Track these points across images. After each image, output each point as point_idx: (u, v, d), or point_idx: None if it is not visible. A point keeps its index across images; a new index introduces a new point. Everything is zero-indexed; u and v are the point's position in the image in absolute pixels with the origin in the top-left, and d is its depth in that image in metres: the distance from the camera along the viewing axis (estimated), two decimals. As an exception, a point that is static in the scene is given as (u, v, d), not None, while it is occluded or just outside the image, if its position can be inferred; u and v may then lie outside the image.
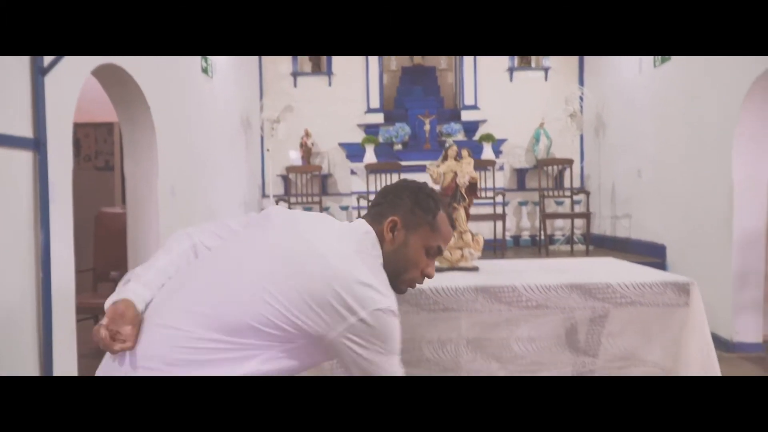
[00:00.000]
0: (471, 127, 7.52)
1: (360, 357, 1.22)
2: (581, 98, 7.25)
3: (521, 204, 7.29)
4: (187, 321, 1.19)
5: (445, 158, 2.25)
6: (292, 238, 1.30)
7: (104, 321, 1.21)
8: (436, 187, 2.30)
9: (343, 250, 1.27)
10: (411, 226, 1.36)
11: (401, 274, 1.37)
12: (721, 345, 4.39)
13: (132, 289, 1.27)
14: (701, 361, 2.01)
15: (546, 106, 7.36)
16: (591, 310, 2.02)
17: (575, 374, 2.16)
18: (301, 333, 1.22)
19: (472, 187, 2.22)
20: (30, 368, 2.63)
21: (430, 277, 1.41)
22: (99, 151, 7.58)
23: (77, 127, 3.09)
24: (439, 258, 2.23)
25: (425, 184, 1.45)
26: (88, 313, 4.31)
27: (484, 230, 6.22)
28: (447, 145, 2.36)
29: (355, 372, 1.25)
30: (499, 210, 6.25)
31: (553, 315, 2.02)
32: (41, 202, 2.68)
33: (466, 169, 2.18)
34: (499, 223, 6.35)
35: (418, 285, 1.47)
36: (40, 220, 2.68)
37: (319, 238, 1.30)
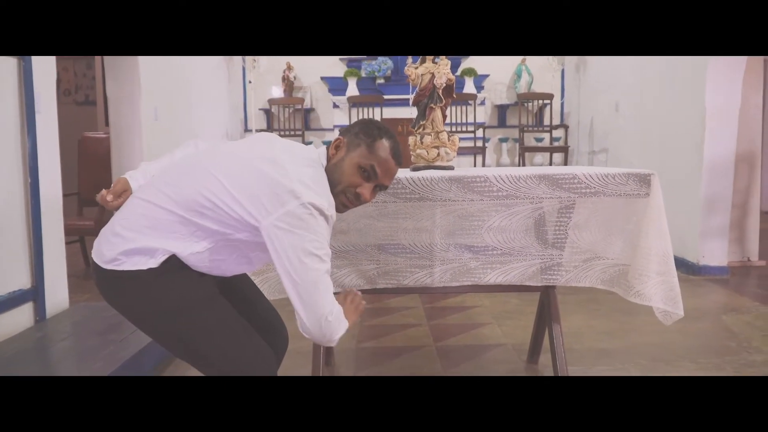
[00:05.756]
0: (453, 62, 7.52)
1: (284, 246, 1.36)
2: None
3: (501, 141, 7.38)
4: (157, 197, 1.44)
5: (423, 61, 2.32)
6: (257, 147, 1.52)
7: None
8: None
9: (296, 160, 1.47)
10: (352, 145, 1.55)
11: (335, 187, 1.52)
12: (688, 268, 4.58)
13: (130, 173, 1.62)
14: (658, 251, 2.12)
15: (528, 43, 7.36)
16: (558, 201, 2.13)
17: (543, 267, 2.29)
18: (241, 221, 1.39)
19: (449, 89, 2.30)
20: (21, 270, 2.72)
21: (362, 198, 1.55)
22: (79, 86, 7.51)
23: (56, 60, 3.13)
24: (416, 156, 2.33)
25: (382, 122, 1.67)
26: (75, 234, 4.38)
27: (465, 165, 6.31)
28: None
29: (280, 263, 1.37)
30: (479, 144, 6.34)
31: (522, 205, 2.13)
32: (27, 109, 2.72)
33: (443, 70, 2.25)
34: (479, 157, 6.47)
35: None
36: (26, 127, 2.72)
37: (280, 148, 1.50)
